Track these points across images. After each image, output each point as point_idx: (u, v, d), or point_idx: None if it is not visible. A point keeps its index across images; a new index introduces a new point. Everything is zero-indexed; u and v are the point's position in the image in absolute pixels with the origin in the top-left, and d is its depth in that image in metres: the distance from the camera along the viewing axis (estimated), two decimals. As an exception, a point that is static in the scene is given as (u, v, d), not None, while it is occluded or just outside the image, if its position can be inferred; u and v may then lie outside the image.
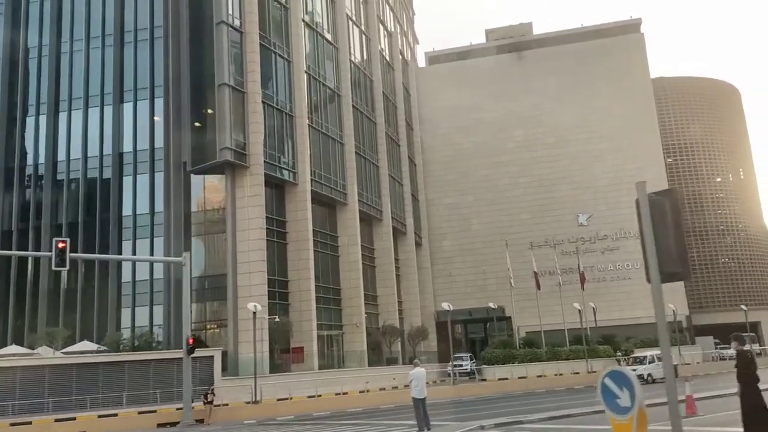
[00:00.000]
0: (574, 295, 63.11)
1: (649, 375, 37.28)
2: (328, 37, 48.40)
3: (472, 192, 67.57)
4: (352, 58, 51.07)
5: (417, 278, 59.21)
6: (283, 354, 38.56)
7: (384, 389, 37.46)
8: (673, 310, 50.53)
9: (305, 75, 43.13)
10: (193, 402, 26.20)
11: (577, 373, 42.69)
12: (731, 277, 75.73)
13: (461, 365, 48.83)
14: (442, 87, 70.42)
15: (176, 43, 38.76)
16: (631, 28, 70.79)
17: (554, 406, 25.50)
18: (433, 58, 73.40)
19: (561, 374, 44.05)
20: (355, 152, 48.95)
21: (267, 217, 39.24)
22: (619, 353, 48.47)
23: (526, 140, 67.63)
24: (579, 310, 54.06)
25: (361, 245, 49.26)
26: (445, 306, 46.57)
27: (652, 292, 8.15)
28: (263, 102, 39.01)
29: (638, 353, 41.04)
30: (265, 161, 38.11)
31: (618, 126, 65.58)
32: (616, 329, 60.06)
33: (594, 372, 43.59)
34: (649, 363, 38.41)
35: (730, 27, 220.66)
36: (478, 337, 69.00)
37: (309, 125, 42.83)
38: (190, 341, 24.96)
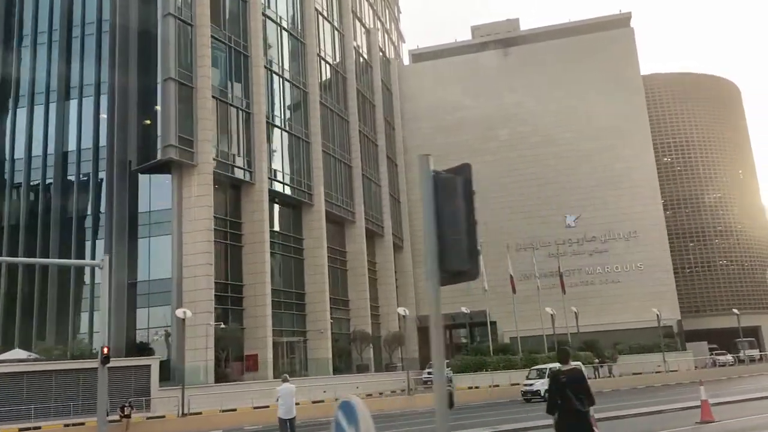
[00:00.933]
0: (560, 299, 61.07)
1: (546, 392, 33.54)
2: (294, 32, 46.64)
3: (456, 193, 65.38)
4: (322, 54, 49.28)
5: (395, 282, 57.16)
6: (237, 362, 36.72)
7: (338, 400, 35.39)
8: (657, 315, 48.08)
9: (265, 71, 41.38)
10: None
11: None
12: (729, 280, 73.06)
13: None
14: (426, 85, 68.56)
15: (124, 37, 37.15)
16: (621, 22, 68.64)
17: (499, 420, 23.55)
18: (417, 56, 71.56)
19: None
20: (324, 151, 47.13)
21: (220, 218, 37.53)
22: (597, 360, 46.16)
23: (510, 139, 65.55)
24: (551, 315, 52.12)
25: (331, 248, 47.39)
26: (401, 311, 44.50)
27: (428, 293, 6.02)
28: (216, 98, 37.32)
29: (541, 366, 34.68)
30: (217, 160, 36.39)
31: (606, 124, 63.37)
32: (604, 334, 57.77)
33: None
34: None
35: (728, 24, 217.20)
36: (464, 343, 66.82)
37: (269, 123, 41.05)
38: (105, 350, 23.09)
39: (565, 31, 67.83)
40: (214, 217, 36.94)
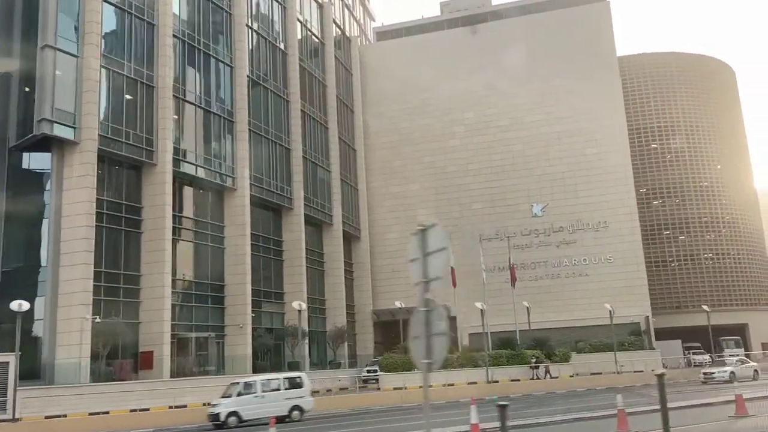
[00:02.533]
0: (526, 293, 57.17)
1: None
2: (217, -1, 42.76)
3: (419, 180, 61.67)
4: (252, 25, 45.53)
5: (344, 274, 53.51)
6: (129, 360, 33.38)
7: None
8: (610, 311, 44.03)
9: (174, 40, 37.77)
10: None
11: (474, 383, 36.55)
12: (716, 274, 68.56)
13: (376, 371, 43.26)
14: (391, 65, 64.57)
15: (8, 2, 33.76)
16: (597, -4, 64.04)
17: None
18: (382, 34, 67.61)
19: (474, 383, 38.09)
20: (254, 132, 43.58)
21: (115, 202, 34.12)
22: (534, 360, 42.25)
23: (477, 123, 61.45)
24: (526, 309, 48.35)
25: (259, 236, 43.96)
26: (296, 305, 40.94)
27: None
28: (109, 69, 33.83)
29: (250, 379, 26.70)
30: (106, 137, 32.93)
31: (579, 106, 59.07)
32: (568, 331, 53.90)
33: (496, 382, 37.65)
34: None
35: (726, 8, 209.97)
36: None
37: (176, 96, 37.48)
38: None
39: (538, 5, 63.45)
40: (108, 200, 33.62)
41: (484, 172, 60.23)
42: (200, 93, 40.32)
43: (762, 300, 69.83)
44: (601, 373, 47.00)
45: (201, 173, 39.07)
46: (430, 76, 63.00)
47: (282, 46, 49.26)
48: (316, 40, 55.57)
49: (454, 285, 44.03)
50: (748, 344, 66.23)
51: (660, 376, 11.18)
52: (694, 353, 57.96)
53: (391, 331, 60.05)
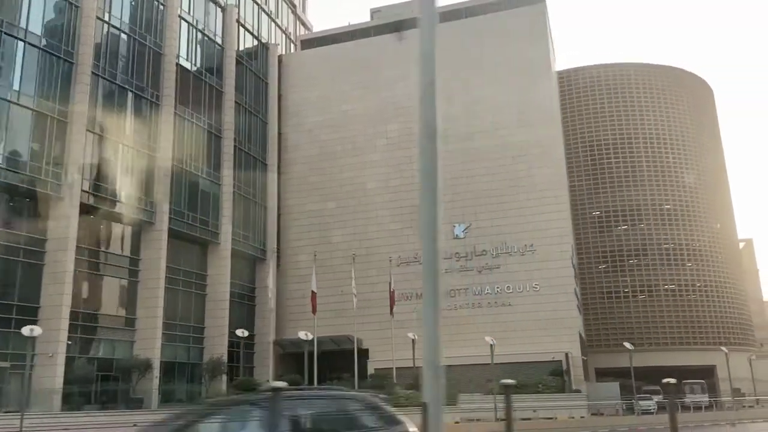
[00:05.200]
0: (443, 324, 50.77)
1: None
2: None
3: (336, 197, 56.24)
4: (108, 19, 41.14)
5: (245, 300, 48.06)
6: None
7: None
8: (491, 345, 37.67)
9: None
10: None
11: None
12: (679, 309, 61.12)
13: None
14: (312, 75, 59.83)
15: None
16: (535, -2, 58.49)
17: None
18: (307, 42, 62.96)
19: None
20: (99, 134, 38.94)
21: None
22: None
23: (400, 136, 55.95)
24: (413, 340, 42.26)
25: (101, 252, 39.03)
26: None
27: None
28: None
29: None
30: None
31: (509, 117, 53.26)
32: (484, 368, 47.38)
33: None
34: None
35: (710, 27, 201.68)
36: (334, 375, 56.97)
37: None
38: None
39: (470, 9, 58.21)
40: None
41: (405, 188, 54.50)
42: (34, 93, 35.82)
43: (733, 340, 62.03)
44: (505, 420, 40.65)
45: (29, 182, 34.38)
46: (354, 85, 58.08)
47: (156, 46, 44.76)
48: (212, 43, 51.03)
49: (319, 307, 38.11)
50: (716, 388, 58.44)
51: None
52: (639, 398, 50.68)
53: (290, 364, 54.35)
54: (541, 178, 51.09)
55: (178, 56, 45.94)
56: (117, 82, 40.94)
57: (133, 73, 42.44)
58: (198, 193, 46.81)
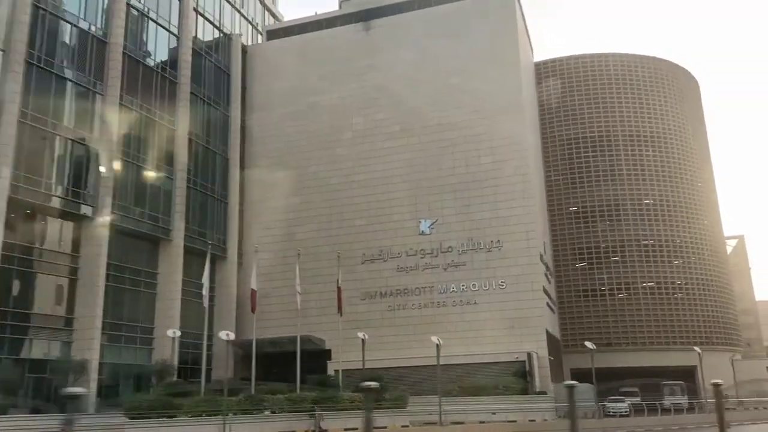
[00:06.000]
0: (409, 323, 49.26)
1: None
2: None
3: (301, 193, 54.36)
4: (45, 5, 39.35)
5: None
6: None
7: None
8: (437, 344, 35.78)
9: None
10: None
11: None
12: (660, 307, 58.90)
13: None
14: (278, 66, 58.01)
15: None
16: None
17: None
18: (273, 33, 61.03)
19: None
20: (32, 125, 37.16)
21: None
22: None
23: (366, 129, 54.09)
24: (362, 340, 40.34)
25: (36, 248, 37.19)
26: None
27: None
28: None
29: None
30: None
31: (475, 109, 51.27)
32: (447, 369, 45.39)
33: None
34: None
35: (694, 19, 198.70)
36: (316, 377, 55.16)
37: None
38: None
39: (439, -1, 56.23)
40: None
41: (371, 183, 52.62)
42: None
43: (716, 339, 59.82)
44: (463, 423, 38.84)
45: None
46: (320, 77, 56.24)
47: (102, 36, 42.98)
48: (166, 32, 49.21)
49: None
50: (698, 390, 56.25)
51: None
52: (611, 400, 48.68)
53: (264, 366, 52.54)
54: (508, 171, 49.08)
55: (125, 45, 44.13)
56: (54, 71, 39.12)
57: (73, 63, 40.68)
58: (147, 188, 45.00)
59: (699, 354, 44.63)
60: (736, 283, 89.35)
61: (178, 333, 37.89)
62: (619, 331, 57.43)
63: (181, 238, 46.43)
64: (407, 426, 35.75)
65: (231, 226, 53.06)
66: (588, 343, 41.88)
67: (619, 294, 58.24)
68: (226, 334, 40.85)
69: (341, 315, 41.75)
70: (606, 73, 63.36)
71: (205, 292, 38.29)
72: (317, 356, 49.81)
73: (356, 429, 34.23)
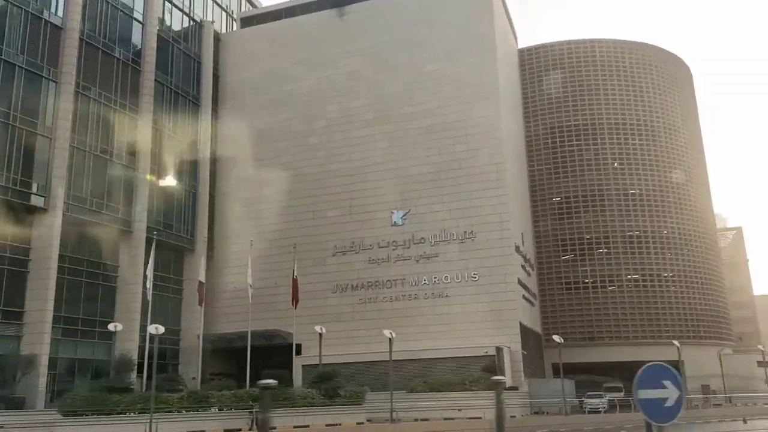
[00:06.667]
0: (380, 317, 47.74)
1: None
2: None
3: (274, 183, 52.95)
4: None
5: (171, 292, 44.80)
6: None
7: None
8: (390, 338, 34.35)
9: None
10: None
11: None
12: (645, 300, 57.03)
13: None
14: (251, 54, 56.60)
15: None
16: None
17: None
18: (247, 20, 59.58)
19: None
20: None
21: None
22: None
23: (339, 117, 52.58)
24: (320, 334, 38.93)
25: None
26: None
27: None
28: None
29: None
30: None
31: (450, 96, 49.64)
32: (416, 364, 44.00)
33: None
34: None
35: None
36: (272, 372, 53.76)
37: None
38: None
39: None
40: None
41: (344, 173, 51.13)
42: None
43: (703, 333, 57.94)
44: (428, 420, 37.46)
45: None
46: (294, 64, 54.79)
47: (57, 21, 41.65)
48: (129, 18, 47.84)
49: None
50: (684, 385, 54.47)
51: None
52: (589, 396, 47.00)
53: (230, 360, 51.39)
54: (482, 159, 47.45)
55: (83, 31, 42.80)
56: (2, 56, 37.85)
57: (24, 49, 39.38)
58: (106, 178, 43.73)
59: (678, 348, 42.87)
60: (735, 276, 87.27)
61: (119, 326, 36.49)
62: (602, 325, 55.66)
63: (143, 230, 45.10)
64: (362, 423, 34.34)
65: (201, 218, 51.76)
66: (556, 337, 40.31)
67: (603, 287, 56.42)
68: (155, 328, 39.05)
69: (295, 308, 40.30)
70: (592, 59, 61.40)
71: (149, 284, 36.86)
72: (288, 351, 48.43)
73: (307, 426, 32.95)
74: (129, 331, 42.87)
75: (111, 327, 36.91)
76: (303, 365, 46.43)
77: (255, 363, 43.43)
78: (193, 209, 51.50)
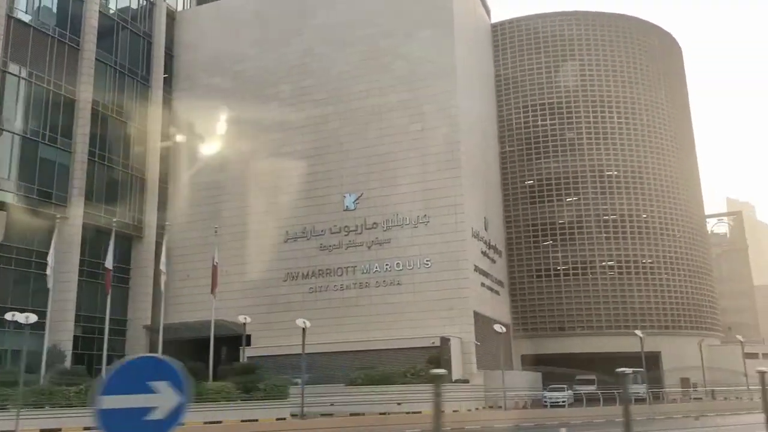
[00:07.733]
0: (330, 306, 45.57)
1: None
2: None
3: (227, 168, 50.84)
4: None
5: (118, 281, 43.00)
6: None
7: None
8: (304, 328, 32.08)
9: None
10: None
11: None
12: (621, 288, 53.94)
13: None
14: (205, 34, 54.41)
15: None
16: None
17: None
18: (203, -1, 57.38)
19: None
20: None
21: None
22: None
23: (291, 97, 50.23)
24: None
25: None
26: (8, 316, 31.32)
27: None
28: None
29: None
30: None
31: (404, 72, 46.98)
32: (361, 355, 41.79)
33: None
34: None
35: None
36: (188, 365, 51.75)
37: None
38: None
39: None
40: None
41: (296, 156, 48.80)
42: None
43: (684, 323, 54.75)
44: (363, 414, 35.26)
45: None
46: (248, 43, 52.51)
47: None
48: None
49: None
50: (661, 378, 51.52)
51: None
52: (549, 389, 44.39)
53: (181, 352, 49.53)
54: (437, 139, 44.79)
55: (12, 7, 40.88)
56: None
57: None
58: (36, 161, 41.87)
59: (641, 339, 39.98)
60: (733, 263, 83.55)
61: (21, 317, 34.43)
62: (574, 315, 52.73)
63: (80, 216, 43.22)
64: (284, 419, 32.13)
65: (149, 205, 49.78)
66: (497, 326, 37.55)
67: (576, 274, 53.44)
68: (25, 317, 36.40)
69: (215, 296, 38.08)
70: (569, 33, 58.06)
71: (49, 271, 34.91)
72: (238, 342, 46.34)
73: (220, 422, 30.84)
74: (62, 320, 41.19)
75: (8, 316, 34.67)
76: (249, 357, 44.37)
77: (205, 355, 41.49)
78: (140, 195, 49.53)
